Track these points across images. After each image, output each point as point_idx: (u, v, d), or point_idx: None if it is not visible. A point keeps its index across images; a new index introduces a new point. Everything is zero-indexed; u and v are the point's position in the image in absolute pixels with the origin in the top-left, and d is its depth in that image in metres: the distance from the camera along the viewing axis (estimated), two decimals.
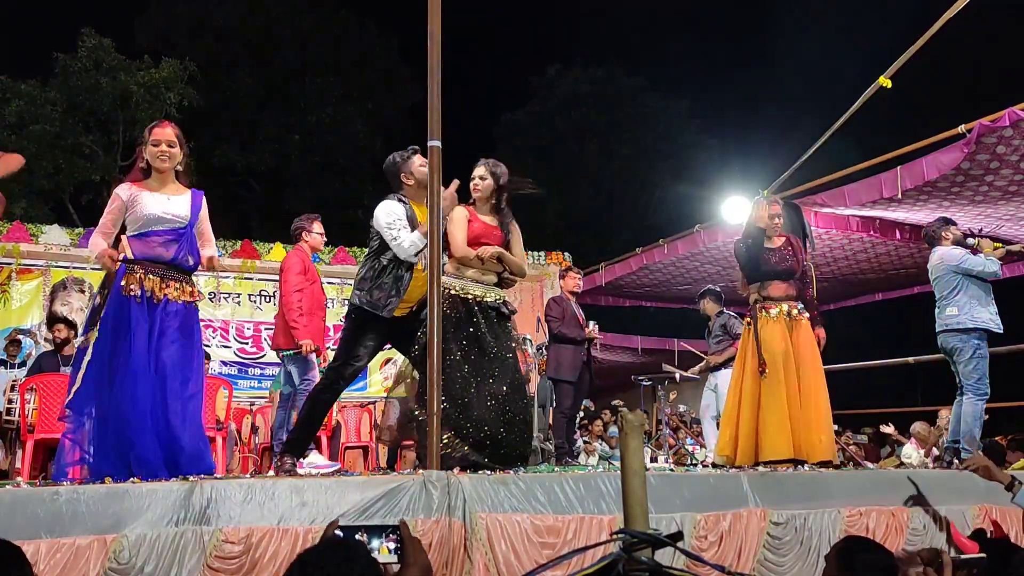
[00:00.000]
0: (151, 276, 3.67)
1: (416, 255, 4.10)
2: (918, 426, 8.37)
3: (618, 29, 24.72)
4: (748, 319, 5.09)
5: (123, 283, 3.64)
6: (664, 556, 1.97)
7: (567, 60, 22.38)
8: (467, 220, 4.32)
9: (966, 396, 5.37)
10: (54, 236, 9.36)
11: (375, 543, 1.68)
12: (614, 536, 1.73)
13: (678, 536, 1.81)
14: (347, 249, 10.47)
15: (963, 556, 2.91)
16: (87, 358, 3.71)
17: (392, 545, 1.67)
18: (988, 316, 5.38)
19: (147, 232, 3.72)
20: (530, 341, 6.45)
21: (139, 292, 3.62)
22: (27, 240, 9.13)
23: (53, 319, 7.17)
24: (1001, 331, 5.46)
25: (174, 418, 3.60)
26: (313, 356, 5.73)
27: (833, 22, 19.84)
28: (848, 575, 2.24)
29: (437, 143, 3.67)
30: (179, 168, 3.88)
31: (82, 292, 9.37)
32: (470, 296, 4.23)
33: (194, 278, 3.94)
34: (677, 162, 21.31)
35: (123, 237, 3.76)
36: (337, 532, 1.75)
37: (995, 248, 5.48)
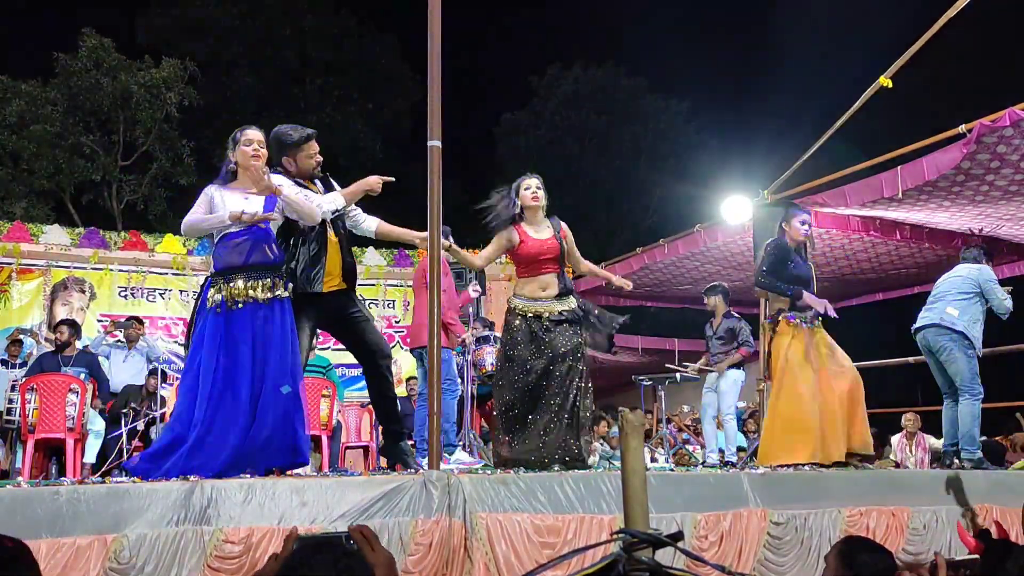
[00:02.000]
0: (230, 284, 3.73)
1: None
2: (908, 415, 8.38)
3: (618, 29, 24.69)
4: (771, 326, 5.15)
5: (207, 296, 3.76)
6: (664, 556, 1.96)
7: (567, 60, 22.36)
8: (515, 241, 4.44)
9: (962, 397, 5.37)
10: (54, 236, 9.37)
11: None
12: (614, 536, 1.73)
13: (678, 536, 1.81)
14: None
15: (956, 558, 2.92)
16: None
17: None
18: (978, 334, 5.46)
19: (223, 237, 3.81)
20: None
21: (219, 302, 3.71)
22: (27, 240, 9.14)
23: (58, 321, 7.19)
24: (980, 355, 5.52)
25: (265, 417, 3.66)
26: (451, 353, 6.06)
27: (833, 22, 19.84)
28: (848, 575, 2.24)
29: (437, 143, 3.67)
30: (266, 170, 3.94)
31: (82, 292, 9.38)
32: (530, 313, 4.41)
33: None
34: (677, 162, 21.29)
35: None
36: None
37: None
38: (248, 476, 3.33)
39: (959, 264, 5.80)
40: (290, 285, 3.87)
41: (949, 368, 5.41)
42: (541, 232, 4.51)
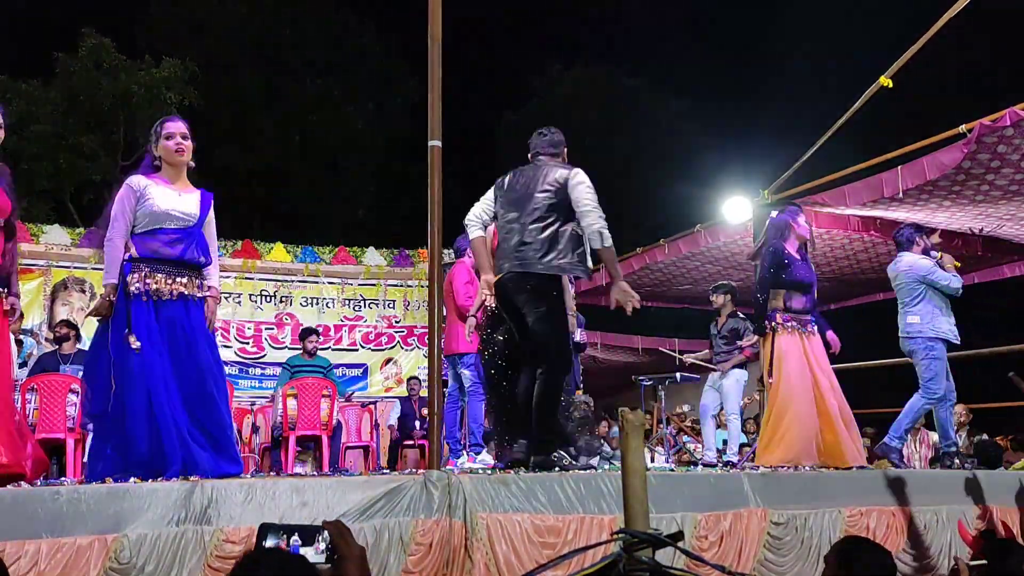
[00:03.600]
0: (157, 275, 3.63)
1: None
2: None
3: (618, 29, 24.72)
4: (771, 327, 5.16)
5: (127, 281, 3.61)
6: (664, 556, 1.96)
7: (567, 60, 22.40)
8: None
9: (918, 392, 5.40)
10: (55, 236, 9.37)
11: (307, 549, 1.65)
12: (615, 536, 1.73)
13: (678, 536, 1.81)
14: (347, 249, 10.48)
15: (971, 563, 2.92)
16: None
17: (322, 546, 1.65)
18: (948, 327, 5.42)
19: (154, 231, 3.67)
20: None
21: (143, 290, 3.59)
22: (28, 240, 9.14)
23: (60, 322, 7.21)
24: (959, 342, 5.51)
25: (193, 416, 3.59)
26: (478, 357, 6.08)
27: (834, 22, 19.83)
28: (848, 575, 2.24)
29: (437, 143, 3.67)
30: (191, 164, 3.84)
31: (83, 292, 9.37)
32: None
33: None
34: (677, 162, 21.30)
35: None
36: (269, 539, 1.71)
37: (956, 266, 5.53)
38: (247, 477, 3.33)
39: (897, 257, 5.73)
40: (204, 285, 3.77)
41: (918, 369, 5.43)
42: None
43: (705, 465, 4.68)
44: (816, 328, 5.23)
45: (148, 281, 3.60)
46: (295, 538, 1.62)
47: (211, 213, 3.87)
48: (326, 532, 1.62)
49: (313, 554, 1.61)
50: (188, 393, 3.60)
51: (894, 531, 4.03)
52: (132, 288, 3.59)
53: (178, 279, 3.67)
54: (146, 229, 3.67)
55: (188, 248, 3.72)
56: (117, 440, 3.52)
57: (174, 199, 3.73)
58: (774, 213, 5.63)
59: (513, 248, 4.05)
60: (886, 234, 7.88)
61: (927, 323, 5.38)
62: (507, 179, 4.27)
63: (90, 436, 3.65)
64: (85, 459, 6.18)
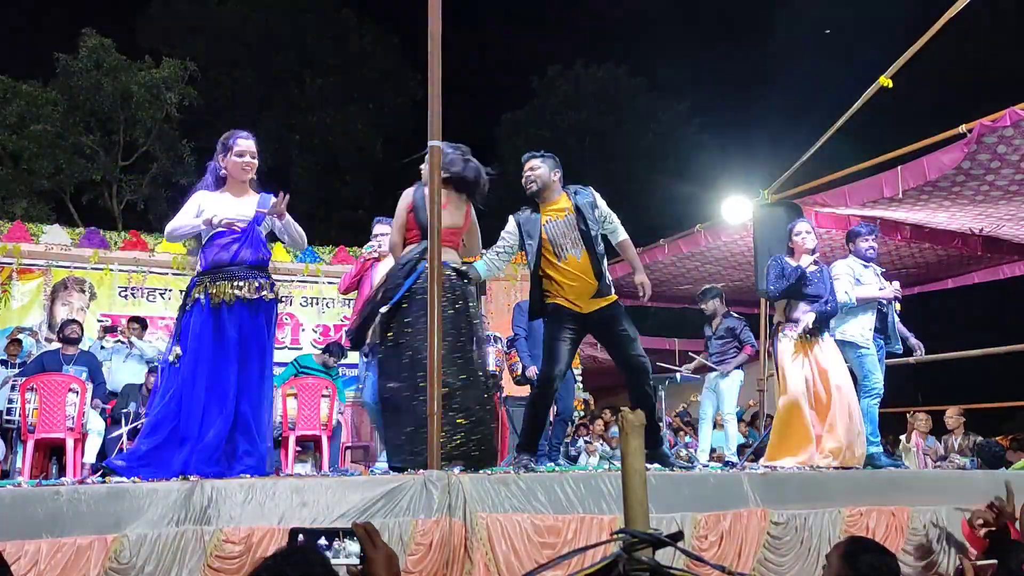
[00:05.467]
0: (218, 283, 3.71)
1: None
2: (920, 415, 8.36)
3: (618, 29, 24.71)
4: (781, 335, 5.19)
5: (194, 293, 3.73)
6: (664, 556, 1.96)
7: (567, 60, 22.38)
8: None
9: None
10: (55, 236, 9.36)
11: (348, 545, 1.66)
12: (614, 536, 1.73)
13: (678, 536, 1.81)
14: (347, 249, 10.48)
15: (979, 562, 2.91)
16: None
17: (354, 547, 1.65)
18: (862, 328, 5.35)
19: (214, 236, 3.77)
20: (501, 339, 6.58)
21: (204, 299, 3.68)
22: (27, 240, 9.13)
23: (67, 322, 7.22)
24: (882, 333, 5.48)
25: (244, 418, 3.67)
26: None
27: (834, 22, 19.84)
28: (851, 575, 2.23)
29: (437, 143, 3.67)
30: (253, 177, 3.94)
31: (83, 292, 9.37)
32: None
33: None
34: (677, 162, 21.29)
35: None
36: (300, 537, 1.72)
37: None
38: (249, 476, 3.33)
39: None
40: (276, 287, 3.86)
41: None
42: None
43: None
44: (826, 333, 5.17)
45: (209, 290, 3.70)
46: (322, 540, 1.63)
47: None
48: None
49: (344, 556, 1.62)
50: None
51: (894, 531, 4.03)
52: (192, 300, 3.72)
53: (234, 282, 3.72)
54: (206, 237, 3.79)
55: (241, 250, 3.77)
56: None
57: (235, 209, 3.81)
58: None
59: None
60: (886, 234, 7.88)
61: (850, 331, 5.35)
62: None
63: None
64: (84, 459, 6.20)
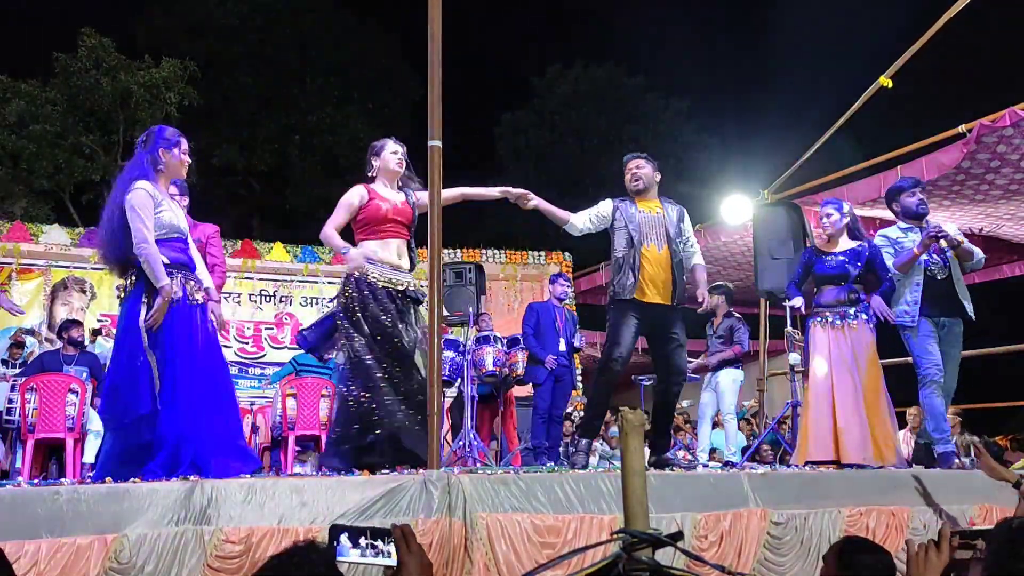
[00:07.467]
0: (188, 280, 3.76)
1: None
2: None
3: (618, 29, 24.71)
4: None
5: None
6: (664, 556, 1.96)
7: (567, 60, 22.37)
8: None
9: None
10: (54, 236, 9.37)
11: (382, 545, 1.65)
12: (614, 536, 1.73)
13: (678, 536, 1.81)
14: None
15: (970, 528, 2.88)
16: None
17: (390, 548, 1.65)
18: (908, 305, 4.96)
19: (170, 239, 3.79)
20: (501, 339, 6.65)
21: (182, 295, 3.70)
22: (27, 240, 9.14)
23: (70, 323, 7.20)
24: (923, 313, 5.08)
25: (223, 418, 3.70)
26: None
27: (834, 22, 19.85)
28: (847, 575, 2.23)
29: (437, 143, 3.67)
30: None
31: (83, 292, 9.37)
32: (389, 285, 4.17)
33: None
34: (677, 162, 21.26)
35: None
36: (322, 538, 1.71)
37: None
38: (249, 476, 3.33)
39: None
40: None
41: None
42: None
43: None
44: (863, 317, 4.91)
45: (185, 286, 3.70)
46: (363, 539, 1.63)
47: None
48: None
49: (384, 556, 1.62)
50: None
51: (894, 531, 4.03)
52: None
53: (190, 283, 3.76)
54: (163, 237, 3.73)
55: (190, 252, 3.87)
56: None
57: (177, 209, 3.88)
58: None
59: None
60: None
61: (898, 311, 5.02)
62: None
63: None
64: (84, 459, 6.21)
